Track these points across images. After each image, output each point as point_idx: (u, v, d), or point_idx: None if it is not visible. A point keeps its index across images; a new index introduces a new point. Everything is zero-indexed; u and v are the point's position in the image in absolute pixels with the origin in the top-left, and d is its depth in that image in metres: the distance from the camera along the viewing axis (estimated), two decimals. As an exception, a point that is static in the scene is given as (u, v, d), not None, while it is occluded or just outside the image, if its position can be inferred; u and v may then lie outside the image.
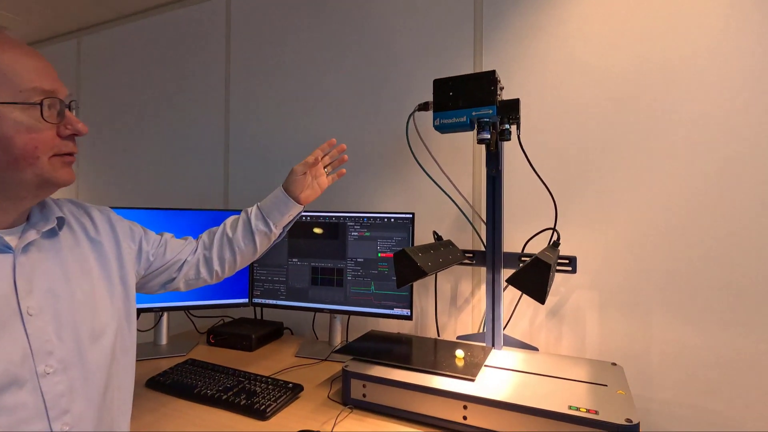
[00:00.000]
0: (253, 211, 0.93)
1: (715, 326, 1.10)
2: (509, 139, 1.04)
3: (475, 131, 1.05)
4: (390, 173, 1.49)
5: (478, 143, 1.04)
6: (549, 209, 1.26)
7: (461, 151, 1.38)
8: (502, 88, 1.03)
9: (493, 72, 1.01)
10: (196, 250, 0.91)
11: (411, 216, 1.29)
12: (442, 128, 1.07)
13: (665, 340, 1.15)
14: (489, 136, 1.03)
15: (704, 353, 1.11)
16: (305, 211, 1.39)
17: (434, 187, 1.32)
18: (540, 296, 0.81)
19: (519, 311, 1.30)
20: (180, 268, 0.88)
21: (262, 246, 0.93)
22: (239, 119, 1.78)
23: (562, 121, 1.26)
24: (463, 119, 1.04)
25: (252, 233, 0.91)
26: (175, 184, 1.91)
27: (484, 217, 1.30)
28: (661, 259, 1.16)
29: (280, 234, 0.96)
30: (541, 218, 1.27)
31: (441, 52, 1.41)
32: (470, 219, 1.34)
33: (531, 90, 1.29)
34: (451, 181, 1.27)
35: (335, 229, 1.36)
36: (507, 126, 1.03)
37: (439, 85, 1.07)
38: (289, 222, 0.96)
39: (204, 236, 0.94)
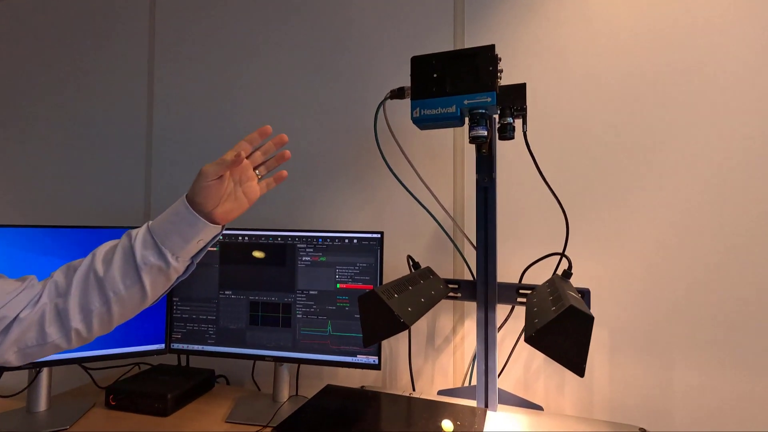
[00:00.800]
0: (139, 234, 0.61)
1: (753, 373, 0.89)
2: (512, 138, 0.78)
3: (467, 127, 0.79)
4: (352, 180, 1.20)
5: (470, 142, 0.78)
6: (550, 227, 1.02)
7: (439, 152, 1.12)
8: (501, 71, 0.78)
9: (492, 47, 0.75)
10: (39, 298, 0.58)
11: (379, 236, 1.01)
12: (422, 122, 0.80)
13: (691, 390, 0.93)
14: (486, 133, 0.77)
15: (740, 406, 0.90)
16: (237, 229, 1.07)
17: (408, 199, 1.05)
18: (578, 365, 0.55)
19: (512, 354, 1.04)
20: (6, 330, 0.55)
21: (155, 288, 0.61)
22: (166, 111, 1.43)
23: (562, 121, 1.03)
24: (452, 109, 0.77)
25: (137, 269, 0.59)
26: (81, 193, 1.52)
27: (468, 234, 1.04)
28: (685, 291, 0.94)
29: (187, 268, 0.65)
30: (541, 238, 1.03)
31: (414, 30, 1.15)
32: (452, 237, 1.08)
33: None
34: (429, 190, 1.01)
35: (281, 252, 1.06)
36: (509, 120, 0.78)
37: (420, 64, 0.80)
38: (200, 251, 0.65)
39: (57, 275, 0.61)
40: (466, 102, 0.76)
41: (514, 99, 0.77)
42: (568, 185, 1.02)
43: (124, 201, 1.45)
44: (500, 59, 0.75)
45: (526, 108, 0.77)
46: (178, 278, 0.65)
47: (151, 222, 0.63)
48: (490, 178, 0.89)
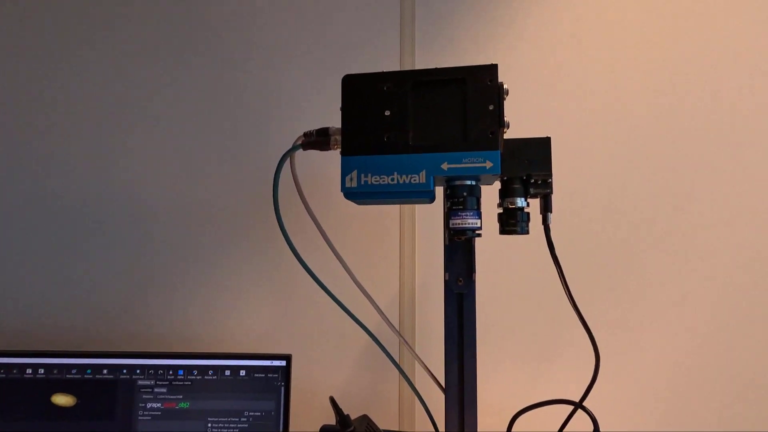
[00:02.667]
0: None
1: None
2: (526, 232, 0.44)
3: (444, 211, 0.44)
4: (239, 270, 0.76)
5: (452, 236, 0.43)
6: (538, 351, 0.70)
7: (378, 223, 0.75)
8: (507, 125, 0.43)
9: (494, 69, 0.41)
10: None
11: (284, 363, 0.61)
12: (362, 196, 0.43)
13: None
14: (480, 224, 0.42)
15: None
16: (23, 355, 0.61)
17: (325, 302, 0.66)
18: None
19: None
20: None
21: None
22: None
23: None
24: (419, 178, 0.41)
25: None
26: None
27: (417, 349, 0.69)
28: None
29: None
30: (525, 366, 0.70)
31: (344, 46, 0.79)
32: (396, 360, 0.70)
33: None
34: (360, 286, 0.62)
35: (110, 394, 0.61)
36: (521, 202, 0.44)
37: (360, 90, 0.43)
38: None
39: None
40: (445, 166, 0.41)
41: (530, 165, 0.43)
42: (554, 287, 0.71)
43: None
44: (507, 92, 0.41)
45: (551, 182, 0.43)
46: None
47: None
48: (469, 280, 0.54)
